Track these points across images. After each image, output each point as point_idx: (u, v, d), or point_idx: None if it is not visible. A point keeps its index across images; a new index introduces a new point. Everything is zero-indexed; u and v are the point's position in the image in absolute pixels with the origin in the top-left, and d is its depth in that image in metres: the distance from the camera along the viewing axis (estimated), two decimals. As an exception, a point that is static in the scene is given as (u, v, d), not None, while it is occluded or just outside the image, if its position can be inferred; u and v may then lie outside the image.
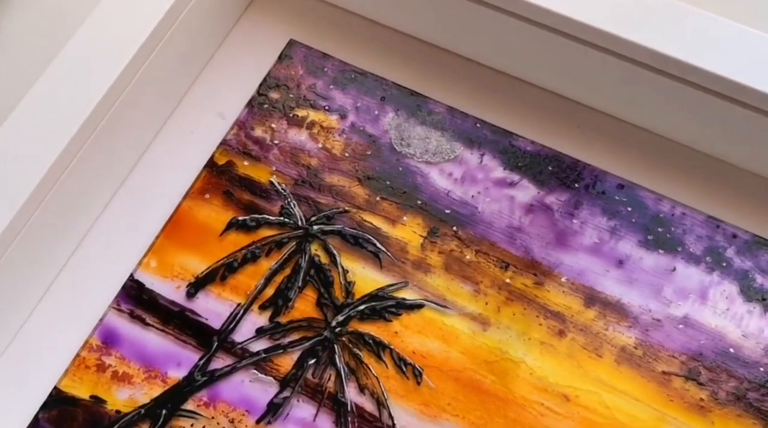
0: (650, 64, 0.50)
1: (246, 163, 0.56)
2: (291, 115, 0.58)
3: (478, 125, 0.57)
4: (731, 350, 0.50)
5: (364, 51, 0.60)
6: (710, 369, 0.50)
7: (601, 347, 0.51)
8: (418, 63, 0.59)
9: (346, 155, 0.56)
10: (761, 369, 0.50)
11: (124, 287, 0.53)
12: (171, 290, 0.53)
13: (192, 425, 0.50)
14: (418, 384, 0.50)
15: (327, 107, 0.58)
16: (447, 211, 0.55)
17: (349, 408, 0.50)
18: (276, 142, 0.57)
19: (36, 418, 0.50)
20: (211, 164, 0.57)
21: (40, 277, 0.52)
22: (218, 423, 0.50)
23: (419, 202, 0.55)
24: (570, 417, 0.49)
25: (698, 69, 0.48)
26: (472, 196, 0.55)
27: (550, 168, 0.56)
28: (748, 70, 0.48)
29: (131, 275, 0.53)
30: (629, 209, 0.54)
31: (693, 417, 0.49)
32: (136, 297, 0.53)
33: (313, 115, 0.58)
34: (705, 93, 0.50)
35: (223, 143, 0.57)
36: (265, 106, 0.58)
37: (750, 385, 0.49)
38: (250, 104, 0.58)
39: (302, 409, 0.50)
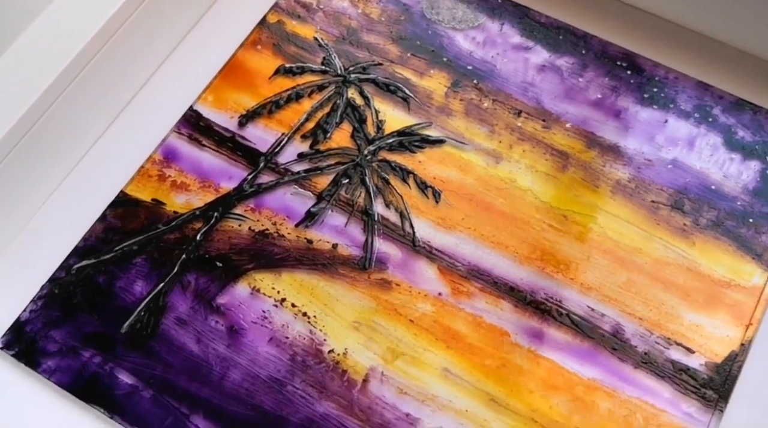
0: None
1: (294, 22, 0.64)
2: (335, -14, 0.65)
3: (500, 0, 0.64)
4: (713, 187, 0.57)
5: (401, -63, 0.67)
6: (693, 201, 0.57)
7: (598, 180, 0.57)
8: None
9: (382, 19, 0.64)
10: (738, 203, 0.56)
11: (184, 115, 0.61)
12: (225, 119, 0.60)
13: (240, 225, 0.57)
14: (437, 202, 0.57)
15: (367, -19, 0.65)
16: (469, 67, 0.62)
17: (376, 219, 0.57)
18: (321, 7, 0.64)
19: (104, 214, 0.57)
20: (263, 22, 0.64)
21: (112, 102, 0.60)
22: (262, 225, 0.57)
23: (445, 59, 0.62)
24: (568, 233, 0.56)
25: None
26: (492, 56, 0.62)
27: (561, 37, 0.63)
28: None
29: (191, 106, 0.61)
30: (629, 72, 0.61)
31: (676, 238, 0.55)
32: (194, 124, 0.60)
33: (354, -14, 0.65)
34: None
35: (275, 5, 0.65)
36: (313, -22, 0.66)
37: (727, 215, 0.56)
38: (299, -24, 0.66)
39: (335, 218, 0.57)
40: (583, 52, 0.62)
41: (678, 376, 0.51)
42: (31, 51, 0.55)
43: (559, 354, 0.52)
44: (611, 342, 0.52)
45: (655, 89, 0.60)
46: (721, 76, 0.61)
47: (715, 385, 0.51)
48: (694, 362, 0.52)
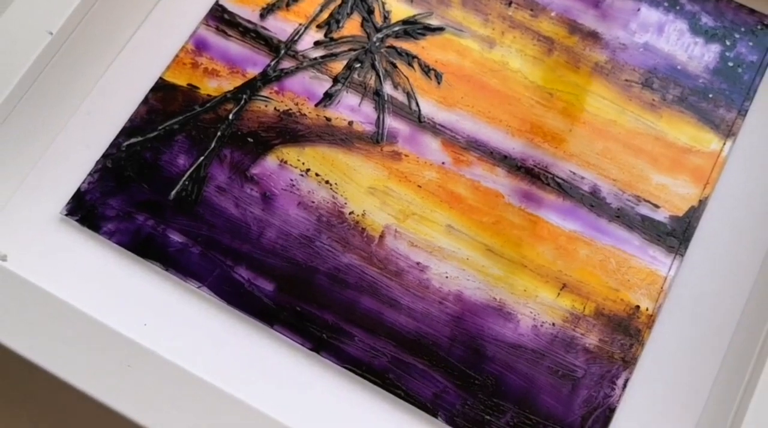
0: None
1: None
2: None
3: None
4: (679, 67, 0.62)
5: None
6: (661, 80, 0.62)
7: (579, 62, 0.62)
8: None
9: None
10: (700, 81, 0.62)
11: (211, 10, 0.64)
12: (248, 12, 0.64)
13: (266, 106, 0.61)
14: (439, 84, 0.62)
15: None
16: (464, -38, 0.65)
17: (386, 98, 0.61)
18: None
19: (146, 98, 0.62)
20: None
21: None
22: (286, 106, 0.61)
23: (443, -45, 0.65)
24: (553, 108, 0.61)
25: None
26: (485, -48, 0.66)
27: (547, -67, 0.66)
28: None
29: (217, 1, 0.64)
30: (607, -35, 0.65)
31: (646, 112, 0.61)
32: (220, 18, 0.64)
33: None
34: None
35: None
36: None
37: (691, 92, 0.61)
38: None
39: (350, 99, 0.62)
40: (567, -53, 0.65)
41: (646, 227, 0.58)
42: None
43: (545, 211, 0.58)
44: (589, 200, 0.58)
45: (630, -19, 0.64)
46: (688, -32, 0.65)
47: (677, 234, 0.57)
48: (660, 215, 0.58)
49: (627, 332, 0.56)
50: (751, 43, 0.63)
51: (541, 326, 0.56)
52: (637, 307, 0.56)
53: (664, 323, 0.56)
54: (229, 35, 0.64)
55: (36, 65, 0.56)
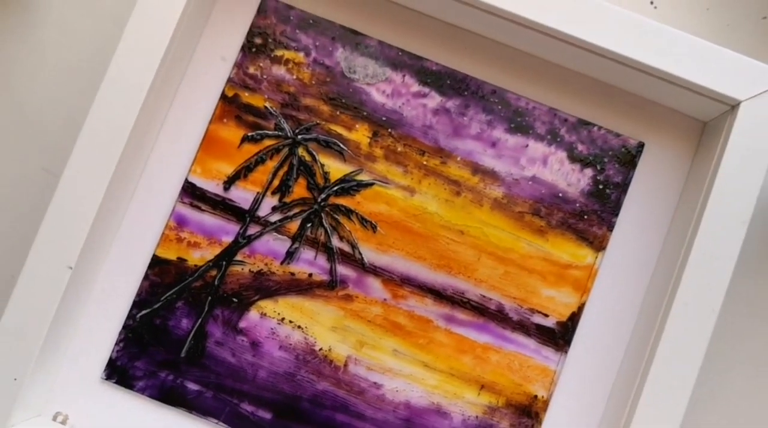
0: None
1: (246, 94, 0.76)
2: (272, 55, 0.77)
3: (399, 53, 0.77)
4: (560, 194, 0.76)
5: (317, 1, 0.77)
6: (547, 207, 0.76)
7: (482, 200, 0.76)
8: (356, 9, 0.77)
9: (313, 82, 0.77)
10: (577, 204, 0.76)
11: (183, 187, 0.76)
12: (213, 186, 0.76)
13: (242, 268, 0.75)
14: (374, 232, 0.75)
15: (295, 47, 0.77)
16: (384, 118, 0.76)
17: (335, 251, 0.75)
18: (265, 76, 0.77)
19: (147, 274, 0.75)
20: (223, 96, 0.76)
21: (128, 185, 0.74)
22: (258, 267, 0.75)
23: (365, 113, 0.76)
24: (464, 243, 0.75)
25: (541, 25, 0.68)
26: (399, 106, 0.76)
27: (448, 82, 0.77)
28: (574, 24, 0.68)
29: (186, 179, 0.76)
30: (499, 107, 0.76)
31: (535, 237, 0.75)
32: (192, 193, 0.76)
33: (287, 54, 0.77)
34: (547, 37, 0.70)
35: (229, 80, 0.77)
36: (253, 50, 0.77)
37: (570, 215, 0.75)
38: (242, 49, 0.77)
39: (307, 254, 0.75)
40: (465, 93, 0.77)
41: (539, 333, 0.75)
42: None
43: (464, 329, 0.75)
44: (496, 317, 0.75)
45: (519, 119, 0.76)
46: (567, 100, 0.77)
47: (562, 335, 0.75)
48: (549, 322, 0.75)
49: (529, 415, 0.74)
50: (617, 165, 0.76)
51: (468, 419, 0.75)
52: (535, 396, 0.75)
53: (555, 405, 0.75)
54: (203, 209, 0.76)
55: (64, 299, 0.70)
